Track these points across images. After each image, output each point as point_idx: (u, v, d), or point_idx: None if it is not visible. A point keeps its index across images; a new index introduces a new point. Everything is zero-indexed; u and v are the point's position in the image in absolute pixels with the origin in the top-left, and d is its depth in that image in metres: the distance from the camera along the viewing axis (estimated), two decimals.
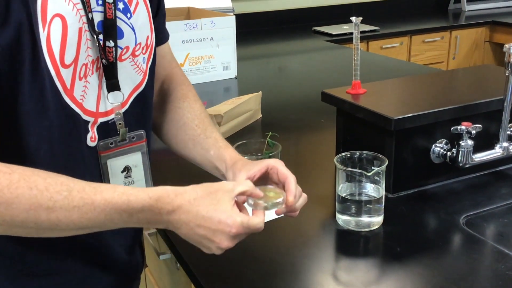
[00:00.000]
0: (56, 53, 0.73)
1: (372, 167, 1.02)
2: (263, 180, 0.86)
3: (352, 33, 1.24)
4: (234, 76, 2.18)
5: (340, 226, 1.03)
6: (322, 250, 0.97)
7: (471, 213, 1.06)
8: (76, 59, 0.75)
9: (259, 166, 0.85)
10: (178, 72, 1.03)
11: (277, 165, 0.85)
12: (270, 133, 1.19)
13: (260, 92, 1.66)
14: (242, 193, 0.78)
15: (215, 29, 2.07)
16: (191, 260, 0.94)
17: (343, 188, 1.02)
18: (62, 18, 0.72)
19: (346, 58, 2.57)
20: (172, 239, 1.01)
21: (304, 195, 0.85)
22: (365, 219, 1.01)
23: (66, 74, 0.74)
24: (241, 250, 0.97)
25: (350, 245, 0.99)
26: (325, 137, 1.45)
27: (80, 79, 0.77)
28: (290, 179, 0.83)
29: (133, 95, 0.87)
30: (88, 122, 0.80)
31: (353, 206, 1.01)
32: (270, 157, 1.26)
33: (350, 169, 1.01)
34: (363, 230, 1.01)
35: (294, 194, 0.82)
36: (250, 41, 3.02)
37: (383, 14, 3.72)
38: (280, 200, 0.81)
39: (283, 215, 0.84)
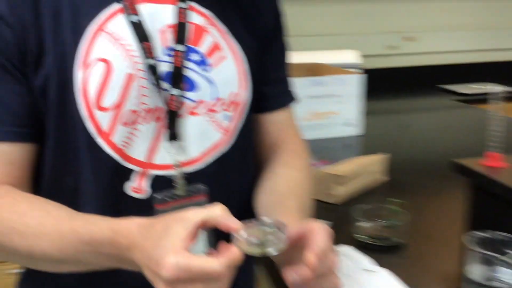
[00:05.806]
0: (92, 95, 0.73)
1: (509, 251, 0.94)
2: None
3: (481, 94, 1.19)
4: (358, 133, 2.16)
5: None
6: None
7: None
8: (119, 104, 0.74)
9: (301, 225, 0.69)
10: (292, 141, 0.94)
11: (315, 228, 0.66)
12: (394, 199, 1.16)
13: (389, 155, 1.61)
14: (204, 223, 0.61)
15: (340, 85, 2.07)
16: None
17: (474, 271, 0.95)
18: (107, 62, 0.73)
19: (475, 119, 2.45)
20: None
21: (335, 256, 0.63)
22: None
23: (103, 117, 0.74)
24: None
25: None
26: (449, 208, 1.37)
27: (125, 125, 0.75)
28: (317, 230, 0.64)
29: (210, 154, 0.81)
30: (131, 170, 0.77)
31: None
32: (395, 225, 1.21)
33: (484, 251, 0.94)
34: None
35: (316, 252, 0.61)
36: (374, 97, 2.99)
37: None
38: (282, 236, 0.58)
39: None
